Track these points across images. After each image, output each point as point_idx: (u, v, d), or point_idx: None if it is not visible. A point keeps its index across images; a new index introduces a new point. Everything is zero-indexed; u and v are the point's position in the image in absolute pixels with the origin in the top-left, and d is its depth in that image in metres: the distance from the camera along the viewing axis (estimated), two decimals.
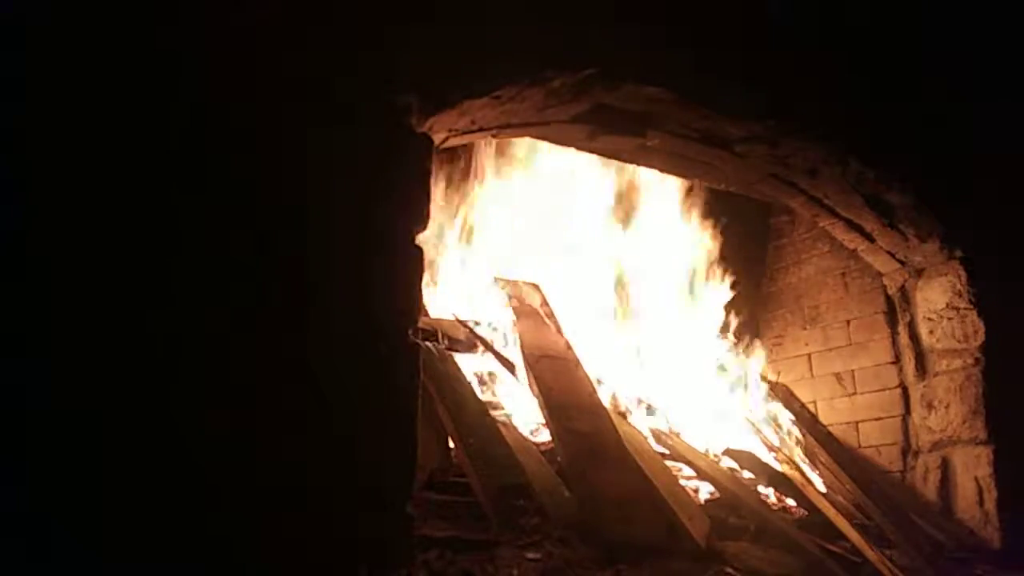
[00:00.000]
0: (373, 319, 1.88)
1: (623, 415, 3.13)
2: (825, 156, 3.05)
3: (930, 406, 3.36)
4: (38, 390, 1.48)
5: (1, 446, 1.44)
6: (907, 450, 3.47)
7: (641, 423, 3.17)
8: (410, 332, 1.93)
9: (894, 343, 3.57)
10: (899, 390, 3.53)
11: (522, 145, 3.53)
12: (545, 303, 3.14)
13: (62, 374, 1.51)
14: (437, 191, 3.32)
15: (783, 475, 3.20)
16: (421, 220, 2.03)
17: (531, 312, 3.06)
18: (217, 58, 1.78)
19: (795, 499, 3.12)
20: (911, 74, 3.24)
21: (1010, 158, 3.39)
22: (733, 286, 4.04)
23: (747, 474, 3.23)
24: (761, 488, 3.16)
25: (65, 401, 1.50)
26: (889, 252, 3.46)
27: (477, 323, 3.10)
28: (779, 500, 3.17)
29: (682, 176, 3.54)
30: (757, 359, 4.12)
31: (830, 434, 3.77)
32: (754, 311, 4.25)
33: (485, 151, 3.58)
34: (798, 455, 3.57)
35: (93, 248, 1.59)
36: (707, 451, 3.29)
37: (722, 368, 3.91)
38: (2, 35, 1.55)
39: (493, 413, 2.77)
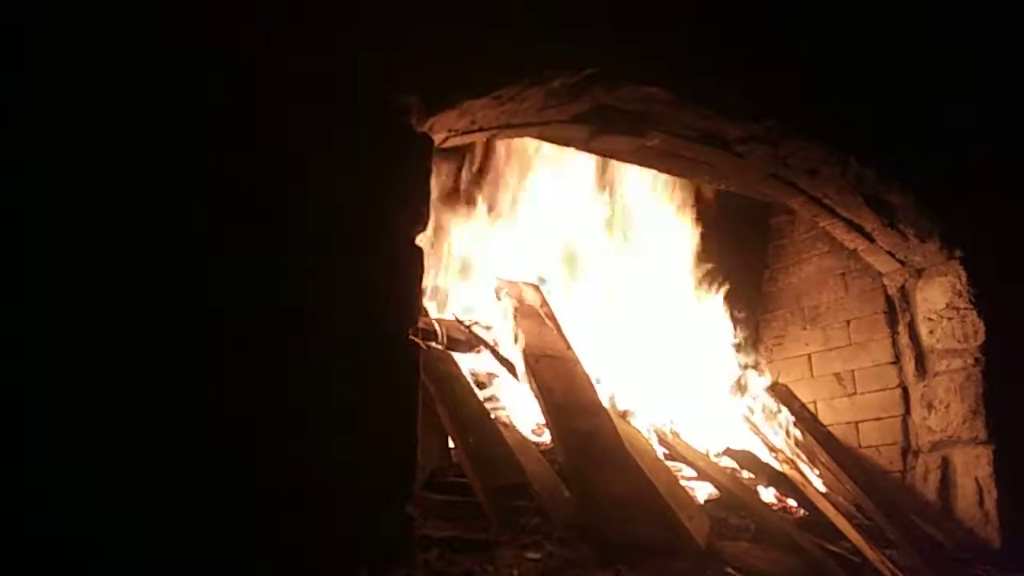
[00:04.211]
0: (373, 319, 1.88)
1: (623, 415, 3.13)
2: (825, 156, 3.05)
3: (930, 406, 3.36)
4: (39, 392, 1.49)
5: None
6: (907, 450, 3.47)
7: (641, 423, 3.16)
8: (410, 332, 1.93)
9: (894, 343, 3.57)
10: (899, 390, 3.53)
11: (523, 145, 3.53)
12: (545, 303, 3.14)
13: (62, 376, 1.51)
14: (438, 191, 3.32)
15: (783, 475, 3.20)
16: (421, 220, 2.03)
17: (531, 312, 3.06)
18: (217, 58, 1.78)
19: (795, 499, 3.12)
20: (911, 74, 3.24)
21: (1010, 158, 3.39)
22: (733, 286, 4.04)
23: (747, 474, 3.23)
24: (761, 488, 3.16)
25: (66, 403, 1.50)
26: (889, 252, 3.46)
27: (477, 323, 3.10)
28: (779, 500, 3.17)
29: (682, 176, 3.54)
30: (757, 359, 4.11)
31: (830, 434, 3.76)
32: (754, 311, 4.25)
33: (487, 151, 3.58)
34: (798, 455, 3.56)
35: (92, 249, 1.59)
36: (707, 451, 3.29)
37: (722, 368, 3.91)
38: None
39: (493, 413, 2.77)
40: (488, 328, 3.13)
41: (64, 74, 1.61)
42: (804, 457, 3.57)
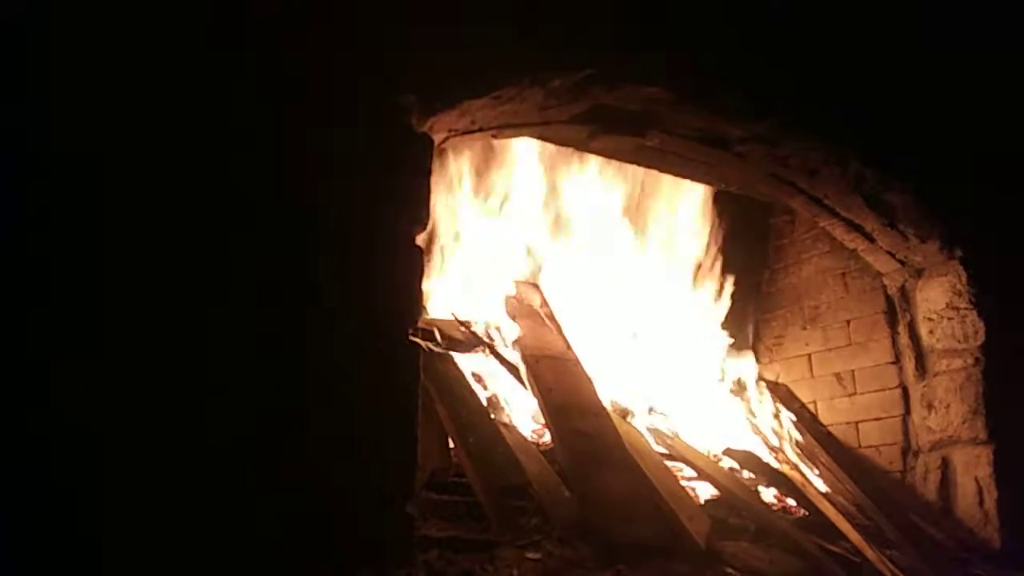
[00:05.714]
0: (373, 319, 1.88)
1: (623, 415, 3.13)
2: (825, 156, 3.05)
3: (930, 406, 3.36)
4: (47, 402, 1.49)
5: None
6: (907, 450, 3.47)
7: (641, 423, 3.16)
8: (410, 332, 1.93)
9: (894, 343, 3.57)
10: (899, 390, 3.52)
11: (522, 145, 3.53)
12: (545, 303, 3.14)
13: (62, 377, 1.51)
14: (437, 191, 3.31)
15: (783, 475, 3.20)
16: (421, 220, 2.03)
17: (531, 312, 3.06)
18: (217, 59, 1.78)
19: (795, 499, 3.12)
20: (911, 74, 3.24)
21: (1010, 158, 3.39)
22: (733, 286, 4.04)
23: (747, 474, 3.23)
24: (761, 488, 3.16)
25: (68, 408, 1.51)
26: (889, 252, 3.46)
27: (477, 323, 3.10)
28: (779, 500, 3.17)
29: (682, 176, 3.53)
30: (757, 359, 4.11)
31: (830, 434, 3.77)
32: (754, 311, 4.25)
33: (486, 151, 3.57)
34: (798, 455, 3.56)
35: (94, 249, 1.59)
36: (707, 451, 3.29)
37: (722, 368, 3.91)
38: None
39: (493, 413, 2.77)
40: (488, 328, 3.13)
41: (64, 74, 1.61)
42: (804, 457, 3.57)
